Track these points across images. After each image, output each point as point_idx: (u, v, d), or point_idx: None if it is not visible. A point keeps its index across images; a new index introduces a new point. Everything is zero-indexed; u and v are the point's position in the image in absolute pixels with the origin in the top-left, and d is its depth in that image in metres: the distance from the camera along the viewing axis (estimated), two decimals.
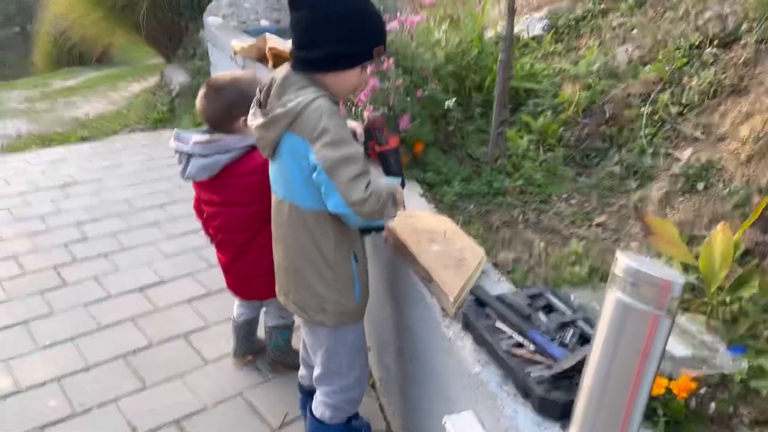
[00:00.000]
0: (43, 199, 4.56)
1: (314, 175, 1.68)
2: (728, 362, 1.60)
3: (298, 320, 2.46)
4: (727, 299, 1.78)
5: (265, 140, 1.75)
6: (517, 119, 3.29)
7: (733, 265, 1.77)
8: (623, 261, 1.24)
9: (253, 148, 2.24)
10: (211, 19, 5.68)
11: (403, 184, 1.98)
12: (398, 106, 2.54)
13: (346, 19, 1.66)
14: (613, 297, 1.27)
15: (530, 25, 4.31)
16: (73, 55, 13.69)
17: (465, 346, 1.71)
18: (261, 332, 2.83)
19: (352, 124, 2.05)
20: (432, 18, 3.28)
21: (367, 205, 1.67)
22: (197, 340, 3.02)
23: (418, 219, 2.21)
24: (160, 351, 2.95)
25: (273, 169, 1.88)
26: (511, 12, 2.58)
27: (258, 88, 1.86)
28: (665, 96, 2.81)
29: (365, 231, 2.06)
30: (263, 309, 2.73)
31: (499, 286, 1.95)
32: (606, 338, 1.29)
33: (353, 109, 2.67)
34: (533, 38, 4.17)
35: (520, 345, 1.60)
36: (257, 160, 2.20)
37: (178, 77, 6.56)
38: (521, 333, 1.61)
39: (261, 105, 1.81)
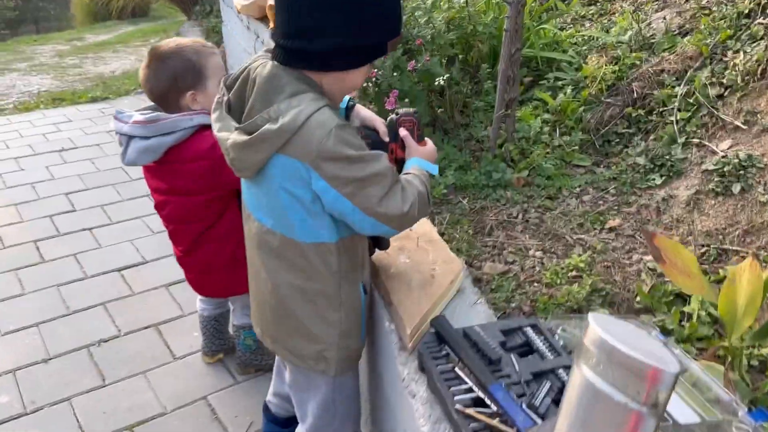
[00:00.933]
0: (38, 165, 4.37)
1: (326, 204, 1.33)
2: None
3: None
4: (755, 345, 1.41)
5: (245, 162, 1.34)
6: (535, 95, 2.90)
7: (763, 305, 1.40)
8: (595, 330, 0.90)
9: (202, 128, 1.93)
10: None
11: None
12: (383, 82, 2.17)
13: (365, 5, 1.26)
14: (580, 376, 0.93)
15: None
16: (110, 9, 13.57)
17: (418, 392, 1.39)
18: None
19: (372, 118, 1.64)
20: None
21: (408, 217, 1.37)
22: (169, 332, 2.78)
23: None
24: (128, 342, 2.72)
25: (251, 191, 1.47)
26: None
27: (222, 81, 1.44)
28: (704, 74, 2.37)
29: (380, 246, 1.68)
30: (230, 305, 2.47)
31: (473, 311, 1.62)
32: (570, 430, 0.96)
33: None
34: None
35: (480, 401, 1.28)
36: (206, 142, 1.91)
37: (192, 36, 6.26)
38: (482, 386, 1.29)
39: (230, 108, 1.40)
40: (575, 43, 3.14)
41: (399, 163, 1.59)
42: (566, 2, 3.71)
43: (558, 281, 1.78)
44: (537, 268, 1.86)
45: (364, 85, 2.19)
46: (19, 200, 3.90)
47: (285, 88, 1.29)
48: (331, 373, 1.58)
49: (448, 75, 2.25)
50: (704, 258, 1.85)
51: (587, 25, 3.39)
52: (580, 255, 1.88)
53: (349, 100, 1.65)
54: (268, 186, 1.38)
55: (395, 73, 2.22)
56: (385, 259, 1.71)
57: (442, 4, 2.53)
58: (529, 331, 1.47)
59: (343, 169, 1.27)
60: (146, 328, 2.80)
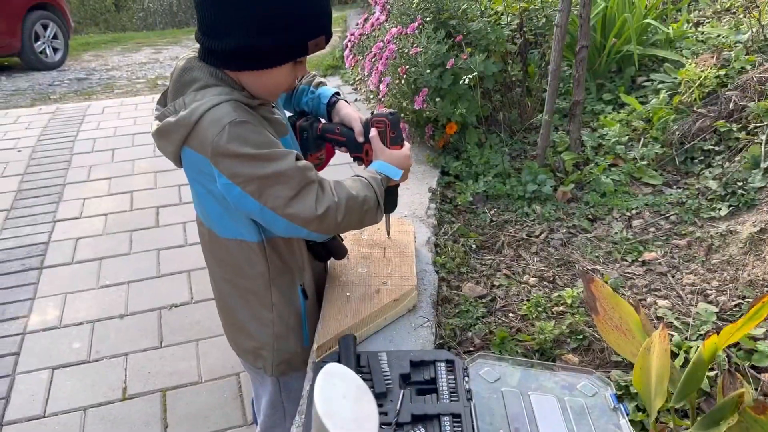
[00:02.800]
0: None
1: (232, 202, 1.26)
2: None
3: None
4: None
5: (163, 151, 1.32)
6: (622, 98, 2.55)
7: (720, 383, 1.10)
8: (320, 397, 0.77)
9: None
10: None
11: (389, 209, 1.51)
12: (418, 80, 2.06)
13: (268, 2, 1.18)
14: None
15: None
16: None
17: (304, 412, 1.31)
18: None
19: (351, 116, 1.52)
20: None
21: (327, 221, 1.25)
22: None
23: (374, 226, 1.77)
24: (193, 311, 2.90)
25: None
26: None
27: (170, 73, 1.40)
28: None
29: (319, 256, 1.57)
30: None
31: (413, 334, 1.49)
32: None
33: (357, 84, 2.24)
34: None
35: None
36: None
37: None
38: None
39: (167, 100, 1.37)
40: (701, 41, 2.70)
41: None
42: None
43: (535, 315, 1.56)
44: (521, 297, 1.65)
45: (398, 81, 2.08)
46: (159, 168, 4.32)
47: (195, 82, 1.26)
48: (269, 372, 1.55)
49: (476, 74, 2.04)
50: (729, 314, 1.50)
51: (727, 19, 2.90)
52: (578, 289, 1.63)
53: (332, 95, 1.58)
54: (188, 177, 1.37)
55: (431, 71, 2.08)
56: (342, 266, 1.62)
57: None
58: (442, 367, 1.31)
59: (241, 167, 1.20)
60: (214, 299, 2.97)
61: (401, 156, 1.46)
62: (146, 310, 2.95)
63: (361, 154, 1.49)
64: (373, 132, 1.46)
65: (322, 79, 1.62)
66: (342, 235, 1.74)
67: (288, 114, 1.51)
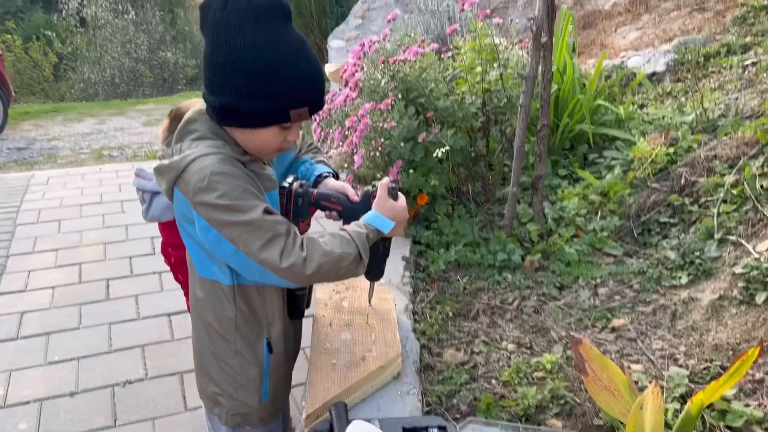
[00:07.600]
0: (138, 209, 4.72)
1: (208, 244, 1.33)
2: None
3: None
4: None
5: (160, 187, 1.39)
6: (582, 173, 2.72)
7: None
8: None
9: None
10: (333, 42, 5.59)
11: (375, 277, 1.52)
12: (392, 153, 2.15)
13: (253, 70, 1.28)
14: None
15: (653, 58, 3.63)
16: None
17: None
18: None
19: (343, 186, 1.56)
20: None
21: (293, 275, 1.29)
22: (190, 382, 2.85)
23: (354, 294, 1.82)
24: (149, 387, 2.82)
25: None
26: (537, 46, 2.08)
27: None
28: (757, 163, 2.10)
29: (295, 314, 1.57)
30: None
31: (400, 402, 1.51)
32: None
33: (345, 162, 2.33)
34: (652, 75, 3.49)
35: None
36: None
37: None
38: None
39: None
40: (645, 122, 2.92)
41: None
42: (658, 78, 3.50)
43: (517, 381, 1.62)
44: (501, 363, 1.70)
45: (372, 153, 2.17)
46: (109, 240, 4.25)
47: (194, 132, 1.38)
48: (223, 421, 1.54)
49: (447, 148, 2.17)
50: (699, 376, 1.59)
51: (668, 101, 3.15)
52: (555, 354, 1.70)
53: (326, 172, 1.60)
54: (176, 215, 1.41)
55: (405, 143, 2.19)
56: (326, 333, 1.65)
57: (470, 77, 2.46)
58: None
59: (216, 213, 1.28)
60: (171, 375, 2.90)
61: (399, 208, 1.46)
62: (98, 387, 2.86)
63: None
64: (385, 180, 1.46)
65: (325, 158, 1.68)
66: (324, 303, 1.77)
67: (290, 179, 1.51)
